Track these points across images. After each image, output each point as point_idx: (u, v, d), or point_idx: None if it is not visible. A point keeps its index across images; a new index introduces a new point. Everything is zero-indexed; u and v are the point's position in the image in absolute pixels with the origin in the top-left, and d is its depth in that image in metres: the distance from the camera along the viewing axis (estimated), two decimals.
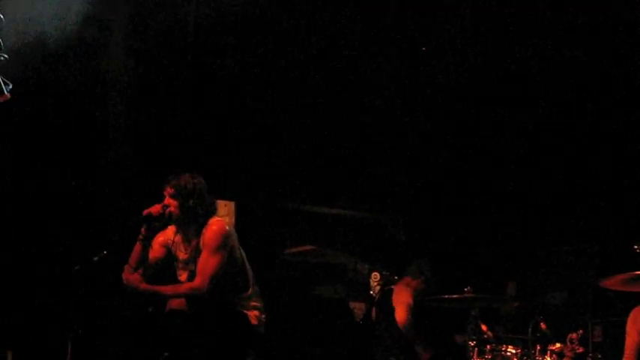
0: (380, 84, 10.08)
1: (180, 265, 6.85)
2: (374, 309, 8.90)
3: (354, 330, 9.63)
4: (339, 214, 10.42)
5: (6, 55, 6.92)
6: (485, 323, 7.79)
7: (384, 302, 8.75)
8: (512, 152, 9.99)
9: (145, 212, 6.72)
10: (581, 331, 7.32)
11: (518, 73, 9.74)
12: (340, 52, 9.75)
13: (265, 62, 9.70)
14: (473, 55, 9.83)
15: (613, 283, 7.20)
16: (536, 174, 9.90)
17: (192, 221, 6.73)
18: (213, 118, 9.58)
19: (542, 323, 7.58)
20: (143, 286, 6.76)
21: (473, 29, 9.65)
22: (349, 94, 9.99)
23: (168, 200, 6.74)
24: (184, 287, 6.70)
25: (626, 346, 7.05)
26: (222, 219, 7.04)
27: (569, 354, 7.26)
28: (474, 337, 7.68)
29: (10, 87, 6.68)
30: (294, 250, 9.98)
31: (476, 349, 7.62)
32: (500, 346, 7.62)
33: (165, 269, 7.05)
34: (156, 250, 6.87)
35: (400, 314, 8.57)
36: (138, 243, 6.80)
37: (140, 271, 6.79)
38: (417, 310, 8.62)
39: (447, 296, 7.90)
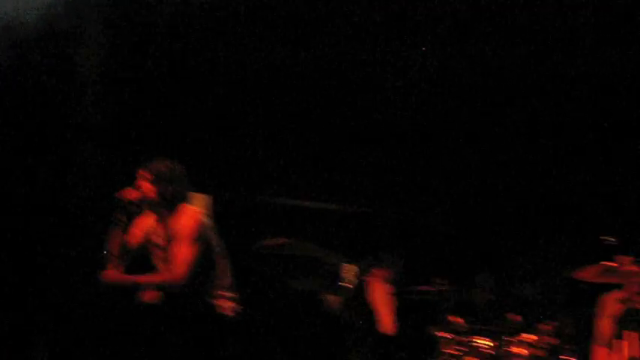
0: (353, 76, 10.05)
1: (157, 251, 6.79)
2: (348, 301, 8.89)
3: (328, 322, 9.61)
4: (313, 206, 10.40)
5: None
6: (458, 315, 7.81)
7: (358, 295, 8.74)
8: (485, 142, 10.00)
9: (122, 196, 6.64)
10: (554, 323, 7.36)
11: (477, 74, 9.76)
12: (314, 44, 9.71)
13: (241, 54, 9.67)
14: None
15: (586, 274, 7.24)
16: (509, 165, 9.92)
17: (168, 207, 6.67)
18: (188, 110, 9.55)
19: (515, 315, 7.61)
20: (119, 277, 6.65)
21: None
22: (321, 86, 9.97)
23: (145, 185, 6.68)
24: (160, 278, 6.63)
25: (596, 333, 7.10)
26: (196, 208, 6.96)
27: (541, 345, 7.29)
28: (447, 329, 7.70)
29: None
30: (267, 243, 9.94)
31: (448, 340, 7.64)
32: (472, 338, 7.64)
33: (143, 256, 6.97)
34: (136, 236, 6.80)
35: (387, 321, 8.56)
36: (117, 229, 6.72)
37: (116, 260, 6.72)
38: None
39: (419, 288, 7.91)
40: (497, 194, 10.04)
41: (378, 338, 8.50)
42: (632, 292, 7.07)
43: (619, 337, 7.07)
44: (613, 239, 7.06)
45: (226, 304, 6.74)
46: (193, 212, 6.72)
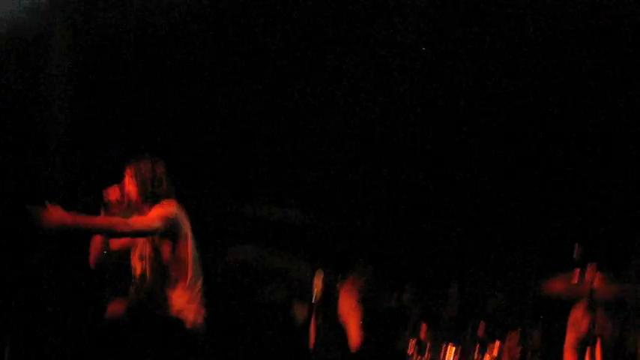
0: (329, 89, 10.07)
1: (136, 250, 6.77)
2: (315, 311, 8.88)
3: (296, 333, 9.60)
4: (281, 216, 10.39)
5: None
6: (425, 323, 7.83)
7: (328, 306, 8.72)
8: (455, 154, 10.03)
9: (105, 196, 6.61)
10: (518, 335, 7.38)
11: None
12: (278, 51, 9.73)
13: (211, 59, 9.66)
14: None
15: (553, 286, 7.27)
16: (478, 175, 9.95)
17: (149, 206, 6.65)
18: (156, 117, 9.53)
19: (481, 325, 7.63)
20: (67, 216, 6.25)
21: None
22: (295, 97, 9.97)
23: (127, 185, 6.67)
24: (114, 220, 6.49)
25: (565, 346, 7.13)
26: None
27: (507, 356, 7.31)
28: (414, 338, 7.71)
29: None
30: (235, 252, 9.93)
31: (415, 348, 7.65)
32: (439, 346, 7.66)
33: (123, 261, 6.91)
34: (117, 240, 6.78)
35: (353, 332, 8.55)
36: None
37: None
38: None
39: (387, 297, 7.92)
40: (465, 204, 10.06)
41: (346, 349, 8.48)
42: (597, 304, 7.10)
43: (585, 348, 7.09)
44: (580, 250, 7.07)
45: (198, 309, 6.70)
46: (173, 202, 6.68)
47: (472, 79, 9.63)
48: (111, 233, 6.45)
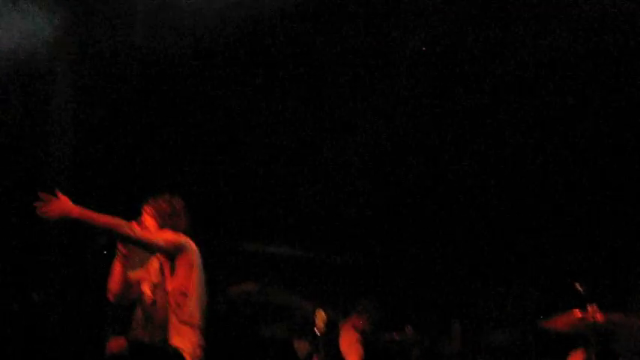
0: (329, 124, 10.10)
1: (148, 283, 6.78)
2: (317, 347, 8.87)
3: None
4: (283, 252, 10.41)
5: None
6: None
7: (330, 342, 8.72)
8: (456, 192, 10.05)
9: None
10: None
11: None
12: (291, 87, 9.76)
13: (215, 95, 9.70)
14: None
15: (554, 324, 7.29)
16: (479, 213, 9.96)
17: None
18: (156, 153, 9.57)
19: None
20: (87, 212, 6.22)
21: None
22: (300, 131, 10.01)
23: (146, 219, 6.69)
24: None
25: None
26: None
27: None
28: None
29: None
30: (237, 288, 9.93)
31: None
32: None
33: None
34: (137, 273, 6.81)
35: None
36: (117, 263, 6.69)
37: None
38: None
39: (388, 335, 7.92)
40: (468, 242, 10.07)
41: None
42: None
43: None
44: (582, 288, 7.09)
45: (197, 345, 6.70)
46: (187, 237, 6.71)
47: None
48: (114, 233, 6.44)
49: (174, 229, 6.68)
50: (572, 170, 9.55)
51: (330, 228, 10.38)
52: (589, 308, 6.95)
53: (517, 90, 9.28)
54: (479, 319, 9.97)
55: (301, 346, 9.69)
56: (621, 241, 9.29)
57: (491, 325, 9.85)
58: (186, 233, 6.72)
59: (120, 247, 6.63)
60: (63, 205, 6.16)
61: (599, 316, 6.95)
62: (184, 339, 6.57)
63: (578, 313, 7.05)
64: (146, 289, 6.73)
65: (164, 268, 6.65)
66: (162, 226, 6.68)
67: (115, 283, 6.70)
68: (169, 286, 6.60)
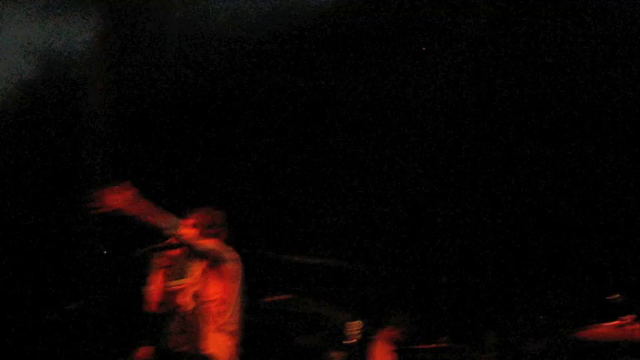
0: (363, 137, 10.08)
1: (189, 291, 6.83)
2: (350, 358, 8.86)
3: None
4: (318, 262, 10.39)
5: None
6: None
7: (363, 352, 8.71)
8: (488, 202, 10.01)
9: (164, 242, 6.70)
10: None
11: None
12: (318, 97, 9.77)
13: (250, 104, 9.72)
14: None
15: (589, 333, 7.24)
16: (514, 223, 9.91)
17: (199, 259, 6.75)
18: (190, 162, 9.61)
19: None
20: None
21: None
22: (333, 143, 10.01)
23: (186, 230, 6.74)
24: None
25: None
26: None
27: None
28: None
29: None
30: (271, 299, 9.92)
31: None
32: None
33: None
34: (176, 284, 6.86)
35: None
36: (157, 273, 6.76)
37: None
38: None
39: (422, 346, 7.89)
40: (502, 252, 10.02)
41: None
42: None
43: None
44: (617, 297, 7.05)
45: (232, 355, 6.71)
46: (231, 248, 6.79)
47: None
48: (163, 232, 6.49)
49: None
50: (619, 177, 9.50)
51: (364, 238, 10.37)
52: (626, 319, 6.91)
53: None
54: (514, 329, 9.91)
55: (335, 356, 9.67)
56: None
57: (526, 335, 9.78)
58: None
59: (161, 257, 6.69)
60: (127, 197, 6.21)
61: (637, 327, 6.91)
62: (220, 347, 6.62)
63: (615, 323, 7.00)
64: (185, 298, 6.77)
65: (205, 277, 6.70)
66: (202, 235, 6.73)
67: (155, 292, 6.75)
68: (209, 295, 6.65)
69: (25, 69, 7.91)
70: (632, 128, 9.42)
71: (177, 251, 6.75)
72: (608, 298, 7.06)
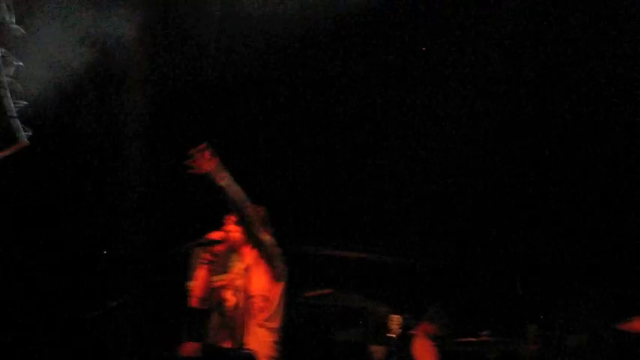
0: (405, 127, 10.06)
1: (231, 287, 6.87)
2: (391, 353, 8.85)
3: None
4: (358, 256, 10.39)
5: (25, 102, 7.05)
6: None
7: (404, 346, 8.70)
8: (530, 195, 9.96)
9: (209, 238, 6.76)
10: None
11: None
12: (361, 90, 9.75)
13: (288, 100, 9.73)
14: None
15: (633, 325, 7.21)
16: (557, 216, 9.87)
17: (252, 247, 6.78)
18: (230, 157, 9.63)
19: None
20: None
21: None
22: (374, 136, 10.00)
23: (230, 226, 6.79)
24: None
25: None
26: None
27: None
28: None
29: (30, 133, 6.79)
30: (312, 293, 9.94)
31: None
32: None
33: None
34: (220, 279, 6.91)
35: None
36: (201, 269, 6.82)
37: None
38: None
39: (464, 340, 7.88)
40: (543, 246, 9.97)
41: None
42: None
43: None
44: None
45: (273, 349, 6.74)
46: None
47: None
48: (238, 208, 6.52)
49: (257, 238, 6.76)
50: None
51: (406, 232, 10.36)
52: None
53: None
54: (556, 322, 9.87)
55: (376, 351, 9.68)
56: None
57: (568, 328, 9.75)
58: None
59: (205, 252, 6.74)
60: (213, 164, 6.36)
61: None
62: (261, 343, 6.65)
63: None
64: (228, 294, 6.82)
65: (249, 272, 6.73)
66: (246, 234, 6.76)
67: (199, 288, 6.81)
68: (252, 290, 6.68)
69: (67, 59, 7.94)
70: None
71: (221, 247, 6.80)
72: None
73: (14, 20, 6.90)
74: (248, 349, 6.63)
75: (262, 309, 6.66)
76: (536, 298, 10.02)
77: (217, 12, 9.21)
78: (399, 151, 10.15)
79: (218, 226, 6.89)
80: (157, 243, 9.42)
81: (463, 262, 10.27)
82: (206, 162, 6.35)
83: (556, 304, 9.99)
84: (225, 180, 6.37)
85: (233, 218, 6.83)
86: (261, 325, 6.66)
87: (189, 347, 6.75)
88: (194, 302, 6.88)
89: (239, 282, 6.80)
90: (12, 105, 6.86)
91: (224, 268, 6.95)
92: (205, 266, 6.80)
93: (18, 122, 6.91)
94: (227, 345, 6.71)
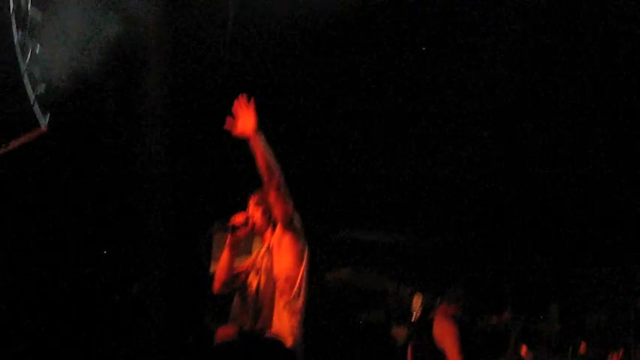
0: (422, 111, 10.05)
1: (254, 270, 6.89)
2: (413, 334, 8.86)
3: (395, 356, 9.60)
4: (379, 238, 10.41)
5: (44, 86, 7.07)
6: (525, 345, 7.76)
7: (425, 327, 8.69)
8: (552, 173, 9.93)
9: (232, 220, 6.77)
10: (622, 352, 7.29)
11: None
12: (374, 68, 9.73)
13: (304, 82, 9.72)
14: None
15: None
16: (578, 195, 9.84)
17: (273, 229, 6.80)
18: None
19: (582, 344, 7.55)
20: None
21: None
22: (391, 123, 9.99)
23: (253, 209, 6.81)
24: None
25: None
26: None
27: None
28: (515, 359, 7.65)
29: (48, 118, 6.80)
30: (333, 275, 9.98)
31: None
32: None
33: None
34: (243, 263, 6.93)
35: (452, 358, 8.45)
36: (225, 252, 6.82)
37: None
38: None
39: (486, 318, 7.87)
40: (565, 224, 9.96)
41: None
42: None
43: None
44: None
45: (296, 331, 6.75)
46: None
47: None
48: (268, 171, 6.51)
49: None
50: None
51: (427, 212, 10.35)
52: None
53: None
54: (578, 300, 9.87)
55: (399, 333, 9.70)
56: None
57: (590, 306, 9.74)
58: None
59: (229, 239, 6.75)
60: (249, 125, 6.30)
61: None
62: (285, 325, 6.65)
63: None
64: (251, 276, 6.83)
65: (271, 253, 6.75)
66: (267, 216, 6.77)
67: (222, 271, 6.81)
68: (275, 272, 6.69)
69: (87, 42, 7.96)
70: None
71: (243, 230, 6.81)
72: None
73: (32, 3, 6.89)
74: (271, 332, 6.65)
75: (285, 290, 6.67)
76: (557, 277, 10.02)
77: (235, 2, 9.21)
78: (420, 132, 10.14)
79: (240, 209, 6.91)
80: (179, 227, 9.43)
81: (484, 242, 10.26)
82: (239, 123, 6.31)
83: (577, 283, 9.99)
84: (261, 146, 6.35)
85: (255, 200, 6.85)
86: (284, 307, 6.67)
87: (224, 332, 6.75)
88: (217, 286, 6.90)
89: (261, 264, 6.81)
90: (31, 90, 6.89)
91: (247, 251, 6.97)
92: (228, 250, 6.82)
93: (37, 107, 6.93)
94: (250, 328, 6.72)
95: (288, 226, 6.67)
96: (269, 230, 6.83)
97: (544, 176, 10.00)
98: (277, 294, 6.67)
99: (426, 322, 8.64)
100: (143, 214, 9.47)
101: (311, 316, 6.94)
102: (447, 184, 10.28)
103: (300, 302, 6.72)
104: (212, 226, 6.84)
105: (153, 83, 9.21)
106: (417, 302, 9.04)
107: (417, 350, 8.66)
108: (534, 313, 8.93)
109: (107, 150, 9.13)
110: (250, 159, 6.46)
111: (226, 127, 6.33)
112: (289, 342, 6.63)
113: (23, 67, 6.87)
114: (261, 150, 6.35)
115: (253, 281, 6.81)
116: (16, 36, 6.81)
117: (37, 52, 6.95)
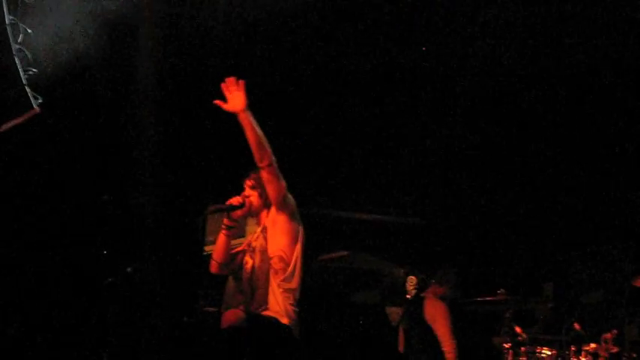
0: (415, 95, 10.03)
1: (249, 250, 6.91)
2: (405, 314, 8.87)
3: (390, 336, 9.62)
4: (373, 219, 10.41)
5: (35, 69, 7.05)
6: (519, 325, 7.78)
7: (415, 309, 8.71)
8: (543, 152, 9.93)
9: (227, 203, 6.79)
10: (615, 331, 7.30)
11: None
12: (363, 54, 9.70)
13: (299, 67, 9.69)
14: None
15: None
16: (570, 172, 9.84)
17: (269, 211, 6.82)
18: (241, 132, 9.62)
19: (576, 324, 7.56)
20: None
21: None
22: (386, 102, 9.97)
23: (248, 191, 6.83)
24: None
25: None
26: None
27: (603, 354, 7.23)
28: (509, 339, 7.67)
29: (40, 101, 6.79)
30: (328, 256, 9.98)
31: (510, 351, 7.62)
32: (534, 348, 7.61)
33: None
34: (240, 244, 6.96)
35: (445, 339, 8.47)
36: (221, 234, 6.83)
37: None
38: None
39: (480, 299, 7.88)
40: (557, 202, 9.96)
41: (437, 351, 8.43)
42: None
43: None
44: None
45: (291, 311, 6.76)
46: None
47: None
48: (258, 147, 6.54)
49: None
50: None
51: (420, 192, 10.36)
52: None
53: None
54: (571, 280, 9.89)
55: (394, 312, 9.72)
56: None
57: (583, 285, 9.76)
58: None
59: (225, 221, 6.76)
60: (239, 103, 6.37)
61: None
62: (280, 305, 6.67)
63: None
64: (247, 257, 6.85)
65: (266, 233, 6.77)
66: (263, 198, 6.79)
67: (220, 253, 6.83)
68: (270, 252, 6.71)
69: (75, 33, 7.94)
70: None
71: (239, 212, 6.83)
72: None
73: None
74: (267, 312, 6.66)
75: (279, 270, 6.69)
76: (551, 256, 10.03)
77: None
78: (411, 112, 10.12)
79: (235, 192, 6.92)
80: (175, 209, 9.43)
81: (478, 222, 10.27)
82: (230, 100, 6.35)
83: (571, 262, 10.00)
84: (250, 117, 6.37)
85: (250, 182, 6.86)
86: (279, 286, 6.69)
87: (232, 315, 6.76)
88: (214, 268, 6.91)
89: (256, 244, 6.84)
90: (22, 72, 6.87)
91: (241, 232, 6.99)
92: (225, 232, 6.83)
93: (28, 90, 6.92)
94: (245, 309, 6.73)
95: (282, 205, 6.71)
96: (264, 212, 6.86)
97: (538, 155, 10.00)
98: (272, 273, 6.69)
99: (418, 302, 8.67)
100: (137, 197, 9.47)
101: (305, 296, 6.96)
102: (442, 165, 10.29)
103: (294, 282, 6.75)
104: (207, 207, 6.81)
105: (146, 66, 9.19)
106: (411, 283, 9.05)
107: (409, 330, 8.70)
108: (528, 293, 8.93)
109: (100, 132, 9.11)
110: (245, 144, 6.48)
111: (216, 102, 6.35)
112: (284, 322, 6.66)
113: (14, 49, 6.85)
114: (251, 126, 6.39)
115: (249, 262, 6.83)
116: (7, 18, 6.79)
117: (28, 35, 6.93)
